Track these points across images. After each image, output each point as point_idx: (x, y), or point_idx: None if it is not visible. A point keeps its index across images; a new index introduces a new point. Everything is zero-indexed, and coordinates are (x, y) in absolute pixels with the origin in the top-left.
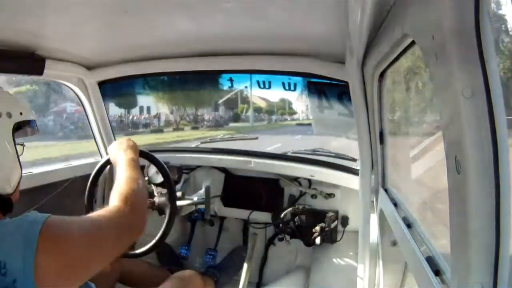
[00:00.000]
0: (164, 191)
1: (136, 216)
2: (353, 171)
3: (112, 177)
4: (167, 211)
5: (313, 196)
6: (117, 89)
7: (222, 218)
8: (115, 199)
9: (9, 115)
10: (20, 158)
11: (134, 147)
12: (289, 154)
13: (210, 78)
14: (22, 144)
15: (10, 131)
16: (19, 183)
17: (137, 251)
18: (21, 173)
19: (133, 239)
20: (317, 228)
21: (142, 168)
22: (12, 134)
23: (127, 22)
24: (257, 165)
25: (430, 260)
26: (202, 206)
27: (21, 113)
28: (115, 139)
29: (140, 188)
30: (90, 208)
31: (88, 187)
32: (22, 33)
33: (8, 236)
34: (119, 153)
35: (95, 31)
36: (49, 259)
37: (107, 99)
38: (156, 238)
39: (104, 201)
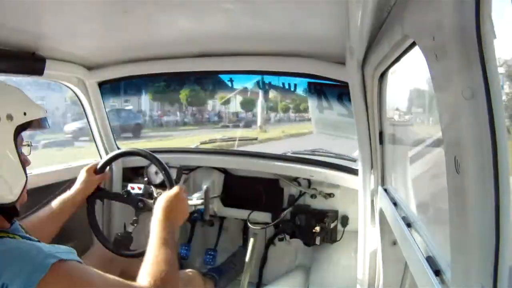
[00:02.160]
0: (164, 191)
1: None
2: (353, 171)
3: (112, 179)
4: None
5: (313, 196)
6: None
7: (222, 218)
8: (146, 278)
9: (10, 117)
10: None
11: (184, 216)
12: (288, 154)
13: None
14: (29, 145)
15: (11, 136)
16: (24, 187)
17: (137, 251)
18: (26, 179)
19: None
20: (317, 228)
21: (142, 168)
22: (14, 138)
23: (127, 22)
24: (256, 165)
25: (430, 260)
26: (201, 207)
27: (25, 113)
28: (115, 140)
29: (174, 275)
30: (91, 209)
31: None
32: (22, 33)
33: (19, 259)
34: (171, 210)
35: (96, 31)
36: None
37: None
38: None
39: (104, 202)
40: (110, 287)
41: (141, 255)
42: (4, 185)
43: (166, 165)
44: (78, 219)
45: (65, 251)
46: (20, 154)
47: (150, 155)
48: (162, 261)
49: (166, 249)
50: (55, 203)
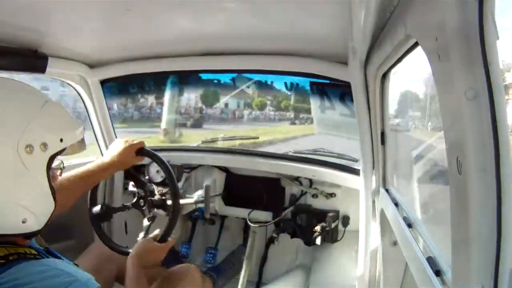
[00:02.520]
0: (165, 190)
1: None
2: (354, 171)
3: (113, 176)
4: (170, 210)
5: (314, 196)
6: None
7: (223, 217)
8: None
9: (45, 146)
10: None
11: (158, 256)
12: (290, 153)
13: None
14: (61, 168)
15: (44, 166)
16: (52, 214)
17: None
18: (55, 206)
19: None
20: (318, 227)
21: (143, 166)
22: (46, 168)
23: (129, 20)
24: (258, 164)
25: (431, 261)
26: (202, 205)
27: (61, 140)
28: (116, 138)
29: None
30: (92, 207)
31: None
32: (25, 31)
33: (56, 281)
34: (139, 261)
35: (98, 29)
36: None
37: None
38: (159, 236)
39: (105, 200)
40: None
41: None
42: (31, 216)
43: (168, 164)
44: (78, 216)
45: (91, 277)
46: (50, 181)
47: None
48: None
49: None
50: (87, 167)
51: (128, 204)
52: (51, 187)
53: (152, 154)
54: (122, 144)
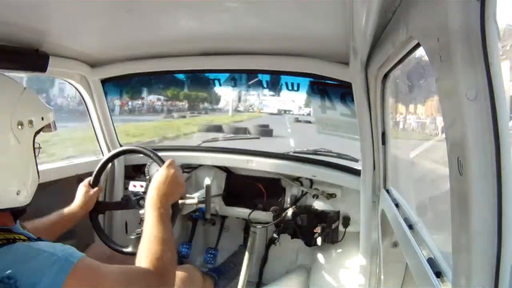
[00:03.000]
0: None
1: (165, 284)
2: (355, 172)
3: (114, 176)
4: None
5: (315, 196)
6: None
7: (224, 217)
8: (145, 259)
9: (31, 123)
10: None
11: (179, 187)
12: (290, 153)
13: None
14: (39, 148)
15: (31, 140)
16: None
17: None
18: (38, 181)
19: None
20: (318, 228)
21: (144, 166)
22: (33, 143)
23: (130, 20)
24: (258, 165)
25: (431, 262)
26: (203, 205)
27: (42, 118)
28: (117, 137)
29: (172, 253)
30: (95, 223)
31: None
32: (26, 30)
33: (37, 263)
34: (162, 184)
35: (99, 28)
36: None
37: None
38: None
39: (106, 199)
40: (118, 274)
41: None
42: (23, 189)
43: (155, 152)
44: None
45: (73, 251)
46: (35, 155)
47: (140, 149)
48: (159, 240)
49: (162, 226)
50: (54, 216)
51: (124, 200)
52: (36, 162)
53: (96, 176)
54: (81, 187)
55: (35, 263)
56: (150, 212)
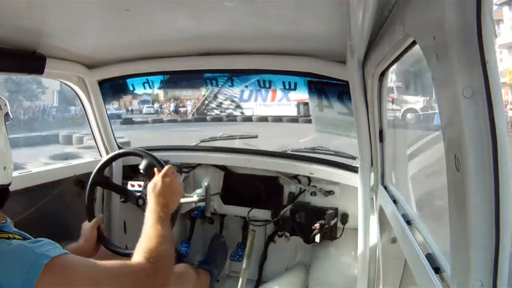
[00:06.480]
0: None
1: (158, 278)
2: (353, 169)
3: (112, 177)
4: None
5: (313, 194)
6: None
7: (222, 216)
8: (141, 254)
9: (1, 107)
10: None
11: (178, 195)
12: (288, 151)
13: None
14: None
15: (3, 122)
16: None
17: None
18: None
19: None
20: (317, 225)
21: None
22: (5, 124)
23: (127, 21)
24: (256, 163)
25: (430, 257)
26: (202, 204)
27: (5, 104)
28: (114, 138)
29: (169, 249)
30: (90, 207)
31: (88, 187)
32: (23, 32)
33: (12, 260)
34: (160, 194)
35: (96, 29)
36: None
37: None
38: None
39: (104, 200)
40: (104, 270)
41: None
42: (8, 164)
43: (147, 152)
44: (78, 218)
45: (52, 247)
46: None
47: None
48: (156, 236)
49: (161, 226)
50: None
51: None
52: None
53: (90, 211)
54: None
55: (7, 263)
56: (149, 216)
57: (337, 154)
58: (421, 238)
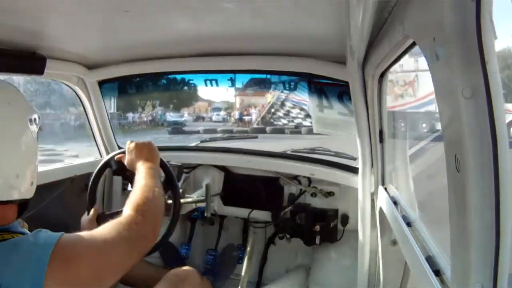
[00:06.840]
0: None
1: (148, 226)
2: (353, 170)
3: (111, 178)
4: (171, 210)
5: (313, 195)
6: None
7: (222, 217)
8: (128, 207)
9: (35, 120)
10: None
11: (154, 153)
12: (288, 152)
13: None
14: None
15: (36, 138)
16: None
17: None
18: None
19: (146, 249)
20: (317, 227)
21: None
22: (37, 140)
23: (127, 21)
24: (256, 164)
25: (430, 260)
26: (202, 205)
27: (39, 117)
28: (115, 138)
29: (155, 196)
30: (91, 208)
31: (89, 187)
32: (23, 32)
33: (17, 258)
34: (139, 160)
35: (96, 30)
36: (59, 282)
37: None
38: (160, 237)
39: (105, 200)
40: (103, 234)
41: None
42: (35, 179)
43: (167, 163)
44: (78, 218)
45: (48, 235)
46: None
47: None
48: (141, 187)
49: (145, 177)
50: None
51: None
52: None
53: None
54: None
55: (14, 261)
56: (138, 168)
57: (337, 154)
58: (421, 240)
